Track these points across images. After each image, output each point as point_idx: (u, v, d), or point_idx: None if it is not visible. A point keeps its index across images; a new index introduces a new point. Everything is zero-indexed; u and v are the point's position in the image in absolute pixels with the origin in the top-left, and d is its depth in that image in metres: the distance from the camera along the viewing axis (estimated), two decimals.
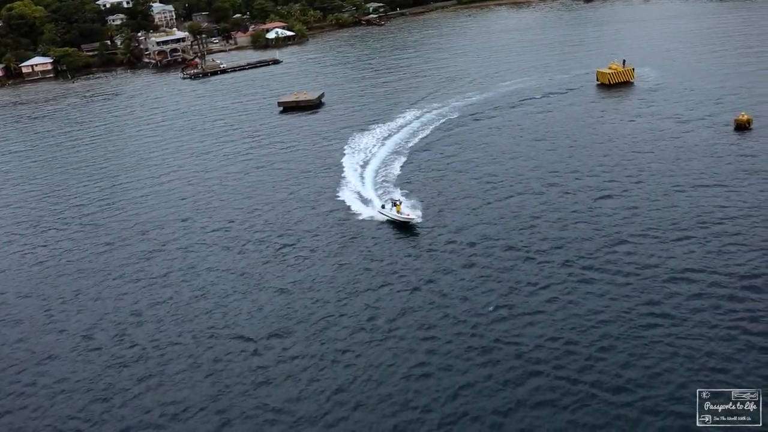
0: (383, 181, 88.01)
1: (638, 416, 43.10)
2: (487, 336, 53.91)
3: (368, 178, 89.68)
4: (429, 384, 49.26)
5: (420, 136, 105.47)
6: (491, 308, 57.19)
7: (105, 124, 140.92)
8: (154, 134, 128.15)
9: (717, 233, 65.75)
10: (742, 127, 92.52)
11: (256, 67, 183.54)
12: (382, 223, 75.85)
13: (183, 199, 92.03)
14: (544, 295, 58.75)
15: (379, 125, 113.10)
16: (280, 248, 73.29)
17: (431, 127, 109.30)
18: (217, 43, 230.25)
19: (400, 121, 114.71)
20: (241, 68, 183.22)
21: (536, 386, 47.73)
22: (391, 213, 74.58)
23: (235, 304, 63.18)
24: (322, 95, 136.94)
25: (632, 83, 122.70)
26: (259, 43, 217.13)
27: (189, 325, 60.88)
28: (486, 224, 73.24)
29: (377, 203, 79.46)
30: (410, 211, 75.06)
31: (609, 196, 76.79)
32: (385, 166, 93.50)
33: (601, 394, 46.02)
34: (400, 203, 75.78)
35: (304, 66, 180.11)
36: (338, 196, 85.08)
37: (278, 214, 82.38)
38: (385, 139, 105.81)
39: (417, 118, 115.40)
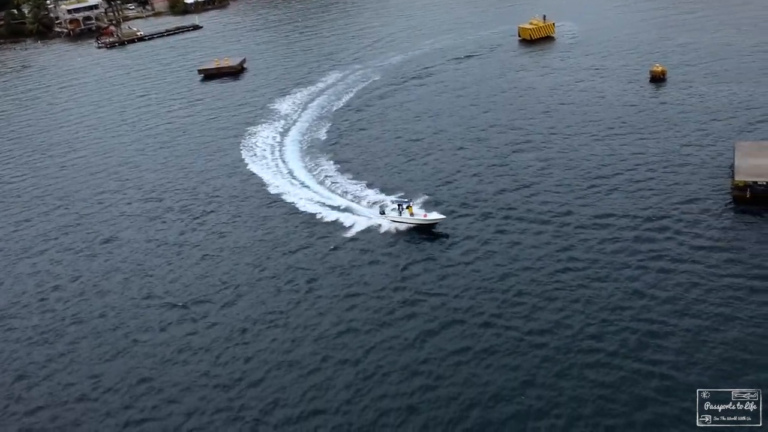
0: (309, 147, 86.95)
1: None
2: (408, 289, 54.77)
3: (291, 145, 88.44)
4: (348, 340, 49.73)
5: (344, 99, 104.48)
6: (401, 267, 58.06)
7: (15, 99, 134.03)
8: (69, 107, 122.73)
9: (631, 179, 67.93)
10: (656, 78, 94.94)
11: (175, 33, 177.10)
12: (299, 188, 74.85)
13: (101, 171, 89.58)
14: (465, 246, 60.06)
15: (303, 89, 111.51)
16: (199, 217, 72.41)
17: (355, 89, 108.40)
18: (133, 9, 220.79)
19: (323, 84, 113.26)
20: (160, 35, 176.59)
21: (458, 333, 48.79)
22: (410, 219, 63.56)
23: (158, 273, 62.46)
24: (244, 61, 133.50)
25: (553, 38, 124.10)
26: (178, 8, 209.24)
27: (111, 297, 59.90)
28: (408, 181, 73.71)
29: (374, 210, 66.92)
30: (425, 211, 64.74)
31: (528, 148, 78.37)
32: (309, 132, 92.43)
33: (513, 333, 47.54)
34: (410, 204, 64.66)
35: (225, 31, 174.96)
36: (257, 164, 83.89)
37: (197, 183, 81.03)
38: (309, 103, 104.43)
39: (341, 80, 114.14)
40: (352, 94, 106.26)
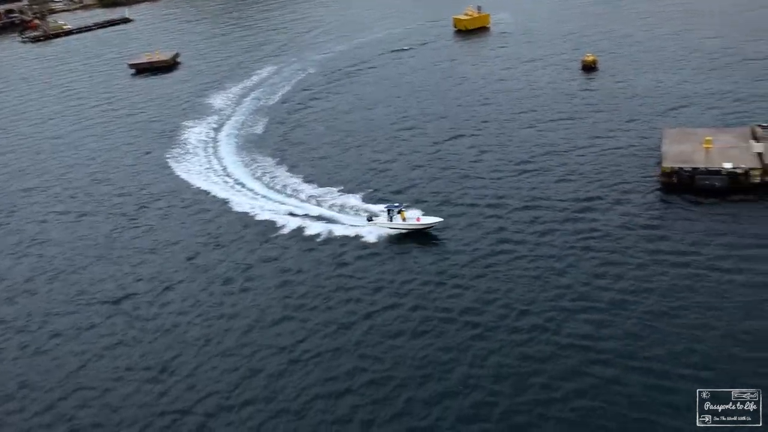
0: (245, 142, 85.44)
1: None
2: (342, 276, 54.69)
3: (226, 140, 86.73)
4: (281, 329, 49.60)
5: (280, 93, 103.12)
6: (335, 256, 58.09)
7: None
8: None
9: (562, 166, 69.28)
10: (588, 67, 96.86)
11: (104, 27, 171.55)
12: (233, 185, 73.58)
13: (28, 169, 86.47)
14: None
15: (238, 83, 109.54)
16: (129, 214, 70.73)
17: (292, 82, 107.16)
18: (59, 2, 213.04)
19: (259, 77, 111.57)
20: (88, 29, 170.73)
21: (391, 318, 48.92)
22: (403, 224, 59.91)
23: (89, 271, 60.96)
24: (177, 55, 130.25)
25: (488, 28, 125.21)
26: (107, 0, 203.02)
27: (39, 297, 58.08)
28: (344, 172, 73.36)
29: (359, 218, 63.27)
30: (418, 214, 61.18)
31: (462, 137, 79.15)
32: (245, 127, 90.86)
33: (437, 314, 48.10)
34: (402, 209, 60.82)
35: (157, 24, 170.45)
36: (190, 160, 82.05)
37: (128, 181, 78.90)
38: (244, 97, 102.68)
39: (277, 73, 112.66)
40: (288, 88, 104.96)
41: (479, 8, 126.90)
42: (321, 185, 70.37)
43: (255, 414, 42.65)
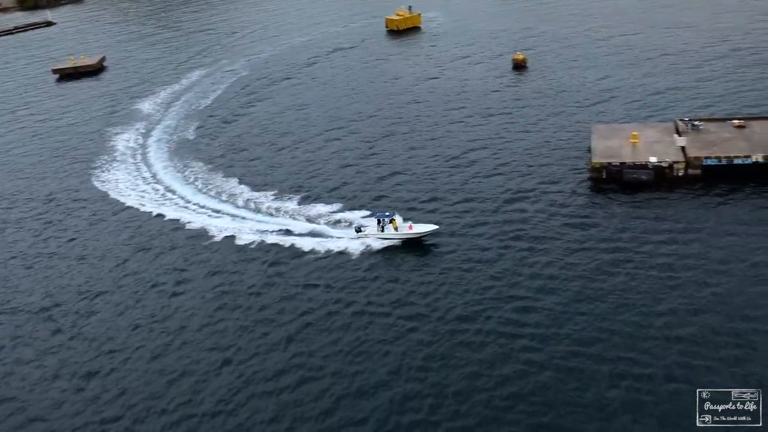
0: (177, 147, 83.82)
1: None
2: (278, 285, 54.44)
3: (156, 146, 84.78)
4: (217, 339, 48.79)
5: (211, 96, 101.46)
6: (268, 264, 57.54)
7: None
8: None
9: (494, 162, 70.71)
10: (519, 66, 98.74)
11: (25, 30, 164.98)
12: (163, 191, 72.19)
13: None
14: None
15: (167, 87, 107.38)
16: (55, 223, 68.90)
17: (223, 85, 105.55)
18: None
19: (189, 81, 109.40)
20: (8, 32, 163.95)
21: (333, 325, 48.91)
22: (395, 234, 57.43)
23: (13, 281, 59.45)
24: (104, 59, 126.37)
25: (420, 28, 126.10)
26: (28, 3, 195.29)
27: None
28: (276, 172, 73.34)
29: (348, 230, 60.31)
30: (411, 223, 58.34)
31: (395, 137, 79.89)
32: (175, 131, 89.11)
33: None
34: (393, 217, 58.10)
35: (82, 27, 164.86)
36: (119, 167, 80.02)
37: (53, 189, 76.53)
38: (174, 101, 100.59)
39: (207, 76, 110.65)
40: (220, 91, 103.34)
41: (410, 8, 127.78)
42: (256, 188, 69.84)
43: (185, 417, 42.12)
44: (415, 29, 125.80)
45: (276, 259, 57.70)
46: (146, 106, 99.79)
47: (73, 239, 64.81)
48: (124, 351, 48.72)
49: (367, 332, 47.44)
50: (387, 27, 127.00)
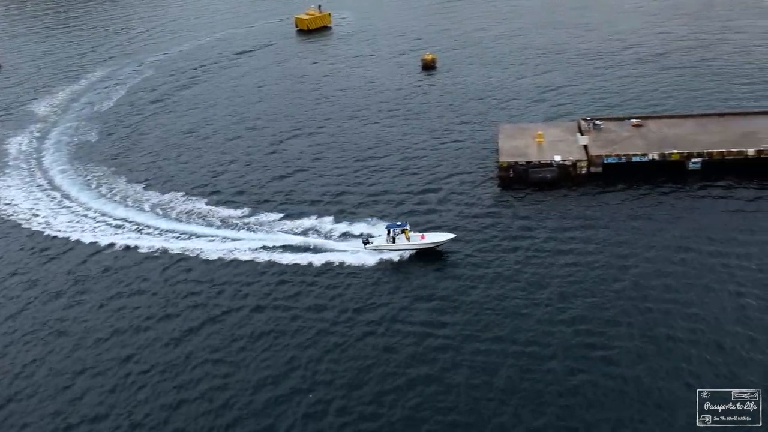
0: (77, 151, 79.97)
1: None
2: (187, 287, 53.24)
3: (54, 150, 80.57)
4: (112, 344, 47.46)
5: (114, 97, 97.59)
6: (163, 268, 56.36)
7: None
8: None
9: (403, 161, 71.23)
10: (428, 65, 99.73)
11: None
12: (61, 198, 68.81)
13: None
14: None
15: (66, 87, 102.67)
16: None
17: (126, 86, 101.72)
18: None
19: (89, 80, 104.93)
20: None
21: (237, 320, 48.23)
22: (407, 244, 55.10)
23: None
24: None
25: (330, 27, 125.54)
26: None
27: None
28: (181, 174, 71.81)
29: (354, 241, 57.36)
30: (421, 232, 56.11)
31: (302, 135, 79.82)
32: (75, 134, 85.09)
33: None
34: (405, 227, 55.65)
35: None
36: (10, 175, 75.67)
37: None
38: (73, 102, 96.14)
39: (109, 76, 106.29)
40: (123, 91, 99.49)
41: (320, 7, 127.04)
42: (162, 192, 67.83)
43: None
44: (325, 29, 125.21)
45: (168, 260, 55.97)
46: (42, 106, 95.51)
47: None
48: (18, 365, 46.37)
49: (276, 338, 46.83)
50: (297, 26, 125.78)
